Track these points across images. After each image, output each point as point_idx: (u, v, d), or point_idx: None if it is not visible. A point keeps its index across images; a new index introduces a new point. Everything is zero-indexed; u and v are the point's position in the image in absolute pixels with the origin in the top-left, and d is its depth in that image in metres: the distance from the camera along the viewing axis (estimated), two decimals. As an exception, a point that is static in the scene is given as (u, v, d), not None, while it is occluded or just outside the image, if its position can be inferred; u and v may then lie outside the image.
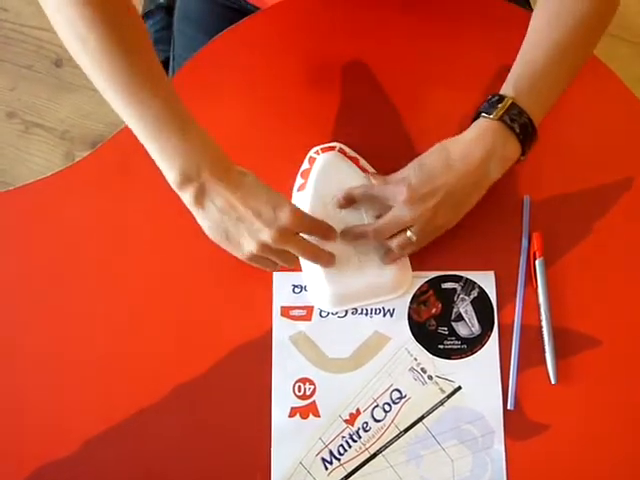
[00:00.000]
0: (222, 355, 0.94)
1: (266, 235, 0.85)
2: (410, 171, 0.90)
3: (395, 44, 1.03)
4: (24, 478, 0.92)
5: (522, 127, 0.89)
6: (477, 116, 0.91)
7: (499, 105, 0.89)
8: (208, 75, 1.03)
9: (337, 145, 0.97)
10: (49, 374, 0.94)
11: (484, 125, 0.90)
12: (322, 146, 0.98)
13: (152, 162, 0.93)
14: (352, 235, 0.93)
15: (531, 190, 0.98)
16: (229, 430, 0.93)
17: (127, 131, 0.96)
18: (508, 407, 0.92)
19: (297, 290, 0.96)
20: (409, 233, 0.90)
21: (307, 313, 0.95)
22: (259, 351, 0.94)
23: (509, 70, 0.94)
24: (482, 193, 0.90)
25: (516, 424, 0.92)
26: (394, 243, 0.91)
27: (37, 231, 0.99)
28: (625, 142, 1.01)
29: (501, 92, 0.91)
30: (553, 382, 0.92)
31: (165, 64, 1.27)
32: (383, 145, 0.97)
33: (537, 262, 0.94)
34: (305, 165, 0.98)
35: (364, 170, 0.96)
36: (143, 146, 0.92)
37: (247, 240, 0.87)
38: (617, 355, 0.94)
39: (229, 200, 0.85)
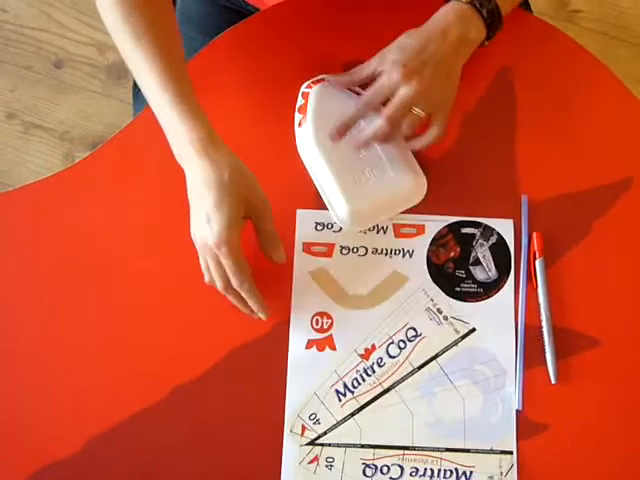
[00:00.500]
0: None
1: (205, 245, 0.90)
2: (393, 55, 0.94)
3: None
4: (25, 479, 0.91)
5: (489, 13, 0.95)
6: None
7: None
8: (208, 76, 1.04)
9: (326, 76, 1.00)
10: (49, 375, 0.94)
11: (455, 7, 0.96)
12: (311, 80, 1.01)
13: (151, 163, 0.98)
14: (364, 141, 0.96)
15: (532, 190, 0.99)
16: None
17: (127, 132, 1.00)
18: (516, 407, 0.93)
19: (319, 227, 0.98)
20: (416, 110, 0.93)
21: (328, 250, 0.97)
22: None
23: (508, 70, 1.01)
24: (464, 61, 0.96)
25: (516, 424, 0.93)
26: (405, 124, 0.94)
27: (37, 232, 0.99)
28: (625, 142, 1.03)
29: None
30: (553, 382, 0.93)
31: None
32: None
33: (537, 262, 0.96)
34: (300, 101, 1.00)
35: (357, 93, 1.00)
36: (142, 148, 0.97)
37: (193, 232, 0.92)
38: (617, 355, 0.95)
39: (193, 190, 0.90)
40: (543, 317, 0.95)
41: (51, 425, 0.92)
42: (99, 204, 1.00)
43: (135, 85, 1.30)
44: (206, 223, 0.87)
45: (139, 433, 0.92)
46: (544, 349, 0.94)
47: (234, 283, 0.89)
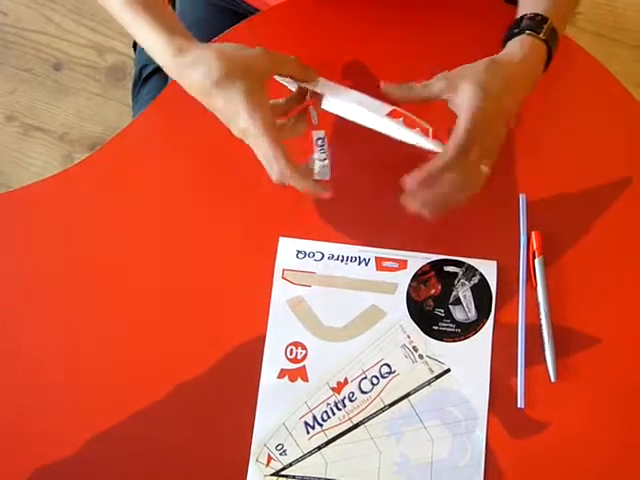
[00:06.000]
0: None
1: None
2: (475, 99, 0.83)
3: (396, 45, 1.05)
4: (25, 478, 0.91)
5: (555, 52, 0.89)
6: (516, 31, 0.89)
7: (544, 25, 0.88)
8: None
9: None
10: (49, 374, 0.94)
11: (531, 44, 0.88)
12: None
13: (150, 165, 0.98)
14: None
15: (531, 189, 0.99)
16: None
17: (126, 134, 1.00)
18: (518, 405, 0.92)
19: (301, 256, 0.97)
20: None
21: (308, 279, 0.96)
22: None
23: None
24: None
25: (516, 422, 0.92)
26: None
27: (35, 233, 0.99)
28: (623, 142, 1.02)
29: (538, 12, 0.89)
30: (553, 380, 0.93)
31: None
32: (386, 148, 0.98)
33: (536, 261, 0.96)
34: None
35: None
36: (142, 149, 0.97)
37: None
38: (617, 353, 0.94)
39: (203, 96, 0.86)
40: (542, 316, 0.94)
41: (51, 424, 0.92)
42: (98, 206, 1.00)
43: (134, 87, 1.30)
44: (234, 117, 0.84)
45: (139, 433, 0.92)
46: (543, 347, 0.94)
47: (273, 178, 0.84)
